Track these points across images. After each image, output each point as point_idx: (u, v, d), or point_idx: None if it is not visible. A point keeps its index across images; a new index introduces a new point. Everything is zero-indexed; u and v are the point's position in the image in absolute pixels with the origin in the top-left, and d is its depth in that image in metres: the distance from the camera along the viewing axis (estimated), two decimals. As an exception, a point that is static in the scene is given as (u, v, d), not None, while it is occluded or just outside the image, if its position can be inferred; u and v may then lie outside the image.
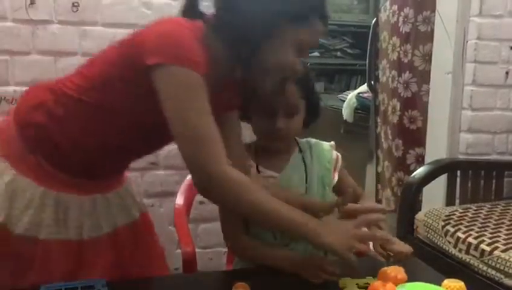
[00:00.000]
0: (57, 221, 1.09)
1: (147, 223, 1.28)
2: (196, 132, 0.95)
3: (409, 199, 2.05)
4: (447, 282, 0.98)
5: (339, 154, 1.31)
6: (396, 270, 1.04)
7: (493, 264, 1.63)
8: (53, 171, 1.09)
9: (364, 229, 1.03)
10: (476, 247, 1.70)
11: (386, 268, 1.05)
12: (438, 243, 1.86)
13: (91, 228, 1.13)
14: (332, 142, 1.33)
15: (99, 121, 1.06)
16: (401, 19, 2.61)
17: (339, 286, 1.05)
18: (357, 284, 1.05)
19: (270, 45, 1.00)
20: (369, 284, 1.01)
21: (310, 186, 1.25)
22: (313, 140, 1.32)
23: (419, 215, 2.00)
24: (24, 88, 1.78)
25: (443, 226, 1.86)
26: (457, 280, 0.99)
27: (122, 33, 1.85)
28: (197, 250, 1.41)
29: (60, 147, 1.08)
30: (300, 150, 1.28)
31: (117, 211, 1.18)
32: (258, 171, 1.23)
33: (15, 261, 1.08)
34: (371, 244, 1.08)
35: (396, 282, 1.00)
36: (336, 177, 1.29)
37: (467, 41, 2.22)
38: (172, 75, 0.94)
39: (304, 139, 1.31)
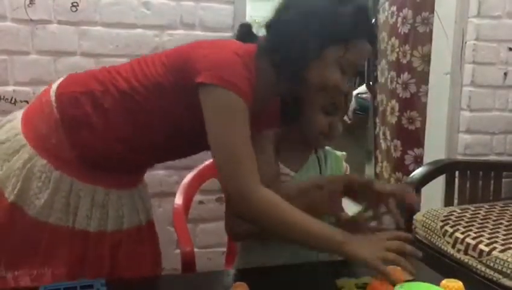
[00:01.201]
0: (67, 208, 1.11)
1: (152, 232, 1.29)
2: (232, 153, 1.00)
3: (408, 200, 2.05)
4: (445, 282, 0.98)
5: (348, 165, 1.35)
6: (395, 271, 1.04)
7: (491, 264, 1.63)
8: (72, 156, 1.11)
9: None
10: (475, 247, 1.71)
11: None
12: (437, 244, 1.86)
13: (99, 221, 1.14)
14: (344, 153, 1.36)
15: (141, 118, 1.10)
16: (400, 19, 2.61)
17: (336, 286, 1.05)
18: (355, 284, 1.05)
19: (318, 64, 1.05)
20: (368, 284, 1.02)
21: None
22: (326, 147, 1.33)
23: (418, 216, 2.00)
24: (23, 88, 1.81)
25: (441, 227, 1.86)
26: (455, 280, 0.99)
27: (121, 33, 1.88)
28: (195, 250, 1.41)
29: (96, 137, 1.11)
30: (316, 153, 1.29)
31: (126, 211, 1.19)
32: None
33: (23, 243, 1.10)
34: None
35: (396, 282, 1.01)
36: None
37: (466, 42, 2.23)
38: (218, 96, 1.01)
39: None
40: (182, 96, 1.06)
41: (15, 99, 1.81)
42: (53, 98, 1.13)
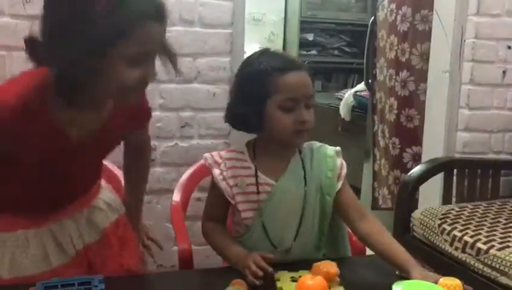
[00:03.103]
0: (20, 259, 1.10)
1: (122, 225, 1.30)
2: None
3: (406, 198, 2.05)
4: (443, 280, 0.98)
5: (343, 161, 1.24)
6: (328, 265, 1.06)
7: (489, 262, 1.63)
8: None
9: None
10: (472, 245, 1.71)
11: (319, 263, 1.07)
12: (434, 242, 1.86)
13: (58, 256, 1.14)
14: (338, 148, 1.25)
15: None
16: (399, 17, 2.61)
17: (274, 278, 1.08)
18: (291, 277, 1.08)
19: (105, 66, 0.94)
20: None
21: (308, 194, 1.20)
22: (317, 144, 1.26)
23: (416, 214, 2.00)
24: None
25: (439, 225, 1.86)
26: (453, 278, 0.99)
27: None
28: (193, 247, 1.41)
29: None
30: (300, 153, 1.23)
31: (84, 229, 1.19)
32: (256, 176, 1.19)
33: None
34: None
35: (328, 277, 1.03)
36: (339, 186, 1.22)
37: (465, 40, 2.23)
38: None
39: (306, 143, 1.25)
40: None
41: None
42: None
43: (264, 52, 1.21)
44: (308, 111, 1.15)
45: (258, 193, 1.18)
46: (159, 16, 0.95)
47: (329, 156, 1.23)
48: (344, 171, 1.23)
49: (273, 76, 1.14)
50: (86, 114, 1.05)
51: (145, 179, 1.43)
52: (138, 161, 1.38)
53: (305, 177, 1.20)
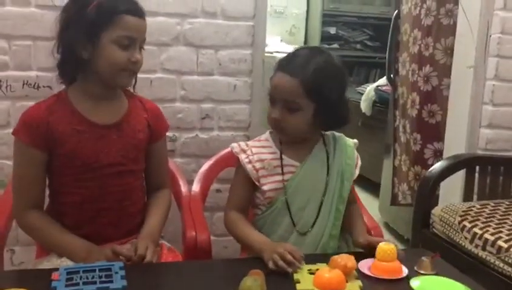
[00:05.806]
0: None
1: None
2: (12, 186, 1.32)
3: (426, 194, 2.03)
4: (382, 245, 1.11)
5: (358, 155, 1.36)
6: (346, 259, 1.07)
7: (510, 261, 1.61)
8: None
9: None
10: (493, 243, 1.69)
11: (337, 256, 1.08)
12: (454, 238, 1.85)
13: None
14: (356, 141, 1.38)
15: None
16: (423, 11, 2.57)
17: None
18: (309, 270, 1.08)
19: (99, 50, 1.24)
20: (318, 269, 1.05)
21: (330, 179, 1.29)
22: (337, 133, 1.36)
23: (436, 210, 1.98)
24: (46, 73, 1.83)
25: (460, 222, 1.84)
26: (389, 242, 1.13)
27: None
28: (212, 238, 1.42)
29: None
30: (324, 142, 1.32)
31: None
32: (281, 159, 1.28)
33: None
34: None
35: (346, 270, 1.03)
36: (357, 174, 1.34)
37: (490, 36, 2.19)
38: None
39: (329, 132, 1.35)
40: None
41: (38, 85, 1.83)
42: None
43: (302, 50, 1.34)
44: (288, 115, 1.24)
45: (283, 173, 1.26)
46: (135, 11, 1.25)
47: (349, 145, 1.36)
48: (359, 162, 1.36)
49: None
50: (103, 104, 1.31)
51: (163, 220, 1.41)
52: (158, 204, 1.41)
53: (327, 163, 1.29)
